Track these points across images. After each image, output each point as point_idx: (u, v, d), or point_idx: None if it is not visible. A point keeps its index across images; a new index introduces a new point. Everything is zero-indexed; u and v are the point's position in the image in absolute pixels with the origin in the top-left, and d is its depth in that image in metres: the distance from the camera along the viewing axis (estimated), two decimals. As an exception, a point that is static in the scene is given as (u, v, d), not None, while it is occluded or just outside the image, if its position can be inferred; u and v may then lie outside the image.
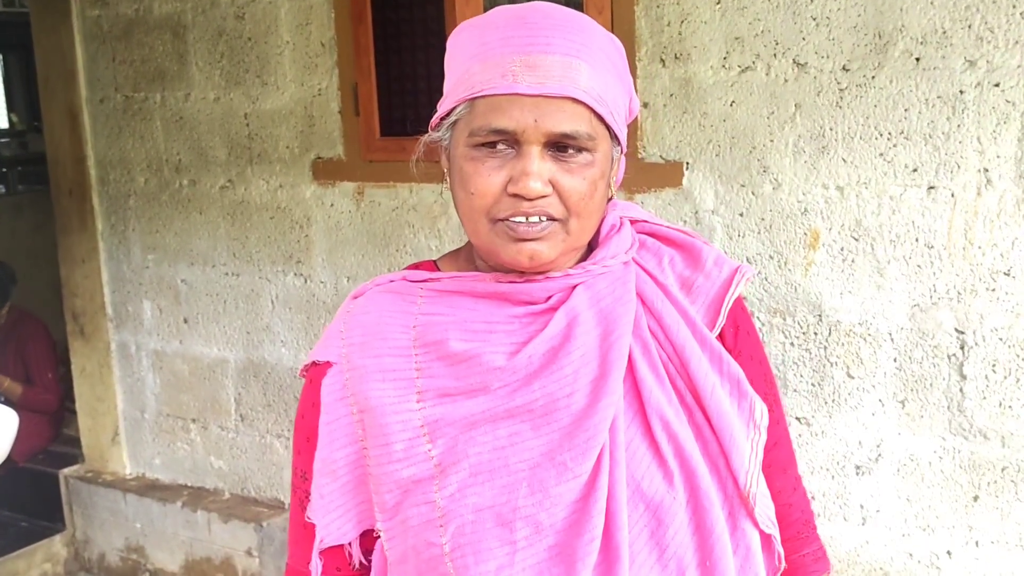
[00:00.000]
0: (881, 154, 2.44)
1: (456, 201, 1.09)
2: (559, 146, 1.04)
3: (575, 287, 1.10)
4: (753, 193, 2.59)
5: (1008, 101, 2.29)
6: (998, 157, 2.32)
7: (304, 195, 3.39)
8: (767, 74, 2.53)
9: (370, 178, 3.22)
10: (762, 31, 2.52)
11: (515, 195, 1.03)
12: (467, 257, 1.18)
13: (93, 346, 4.08)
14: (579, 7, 2.70)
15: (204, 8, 3.47)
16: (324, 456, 1.10)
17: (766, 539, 1.14)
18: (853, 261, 2.50)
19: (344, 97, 3.22)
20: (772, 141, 2.55)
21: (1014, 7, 2.26)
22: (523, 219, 1.03)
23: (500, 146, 1.03)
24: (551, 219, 1.04)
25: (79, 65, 3.83)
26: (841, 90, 2.45)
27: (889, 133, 2.42)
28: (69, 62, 3.83)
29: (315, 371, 1.14)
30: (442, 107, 1.09)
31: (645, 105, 2.70)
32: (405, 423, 1.07)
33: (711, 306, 1.18)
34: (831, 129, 2.48)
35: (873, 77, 2.42)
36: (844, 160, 2.48)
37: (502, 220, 1.04)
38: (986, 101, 2.32)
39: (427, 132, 1.16)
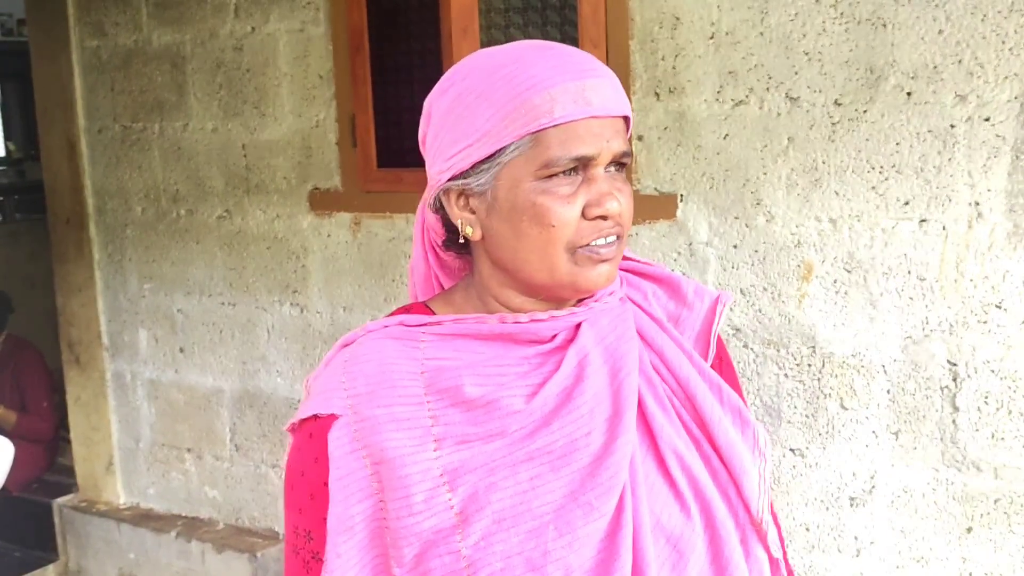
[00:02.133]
0: (873, 187, 2.46)
1: (520, 240, 1.06)
2: (616, 165, 1.07)
3: (579, 325, 1.11)
4: (747, 225, 2.61)
5: (998, 135, 2.32)
6: (989, 191, 2.34)
7: (301, 225, 3.41)
8: (760, 108, 2.56)
9: (367, 209, 3.24)
10: (755, 65, 2.55)
11: (598, 218, 1.04)
12: (463, 299, 1.16)
13: (88, 375, 4.08)
14: (574, 42, 2.73)
15: (203, 40, 3.51)
16: (339, 512, 1.05)
17: (774, 563, 1.17)
18: (846, 293, 2.52)
19: (342, 128, 3.24)
20: (765, 174, 2.58)
21: (1003, 43, 2.29)
22: (603, 241, 1.06)
23: (566, 175, 1.04)
24: (619, 237, 1.08)
25: (77, 95, 3.86)
26: (833, 124, 2.48)
27: (881, 167, 2.45)
28: (68, 91, 3.86)
29: (315, 425, 1.08)
30: (475, 152, 1.04)
31: (640, 138, 2.72)
32: (424, 472, 1.04)
33: (699, 338, 1.20)
34: (824, 162, 2.50)
35: (865, 111, 2.45)
36: (837, 193, 2.50)
37: (583, 246, 1.05)
38: (976, 135, 2.34)
39: (430, 182, 1.13)
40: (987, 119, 2.33)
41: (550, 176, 1.03)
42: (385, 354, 1.08)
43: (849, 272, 2.51)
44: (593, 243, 1.05)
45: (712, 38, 2.60)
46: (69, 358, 4.13)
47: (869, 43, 2.43)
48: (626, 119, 1.08)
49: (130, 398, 4.01)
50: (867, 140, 2.45)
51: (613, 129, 1.05)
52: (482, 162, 1.04)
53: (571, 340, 1.10)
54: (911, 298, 2.46)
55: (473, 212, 1.08)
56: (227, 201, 3.57)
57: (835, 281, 2.53)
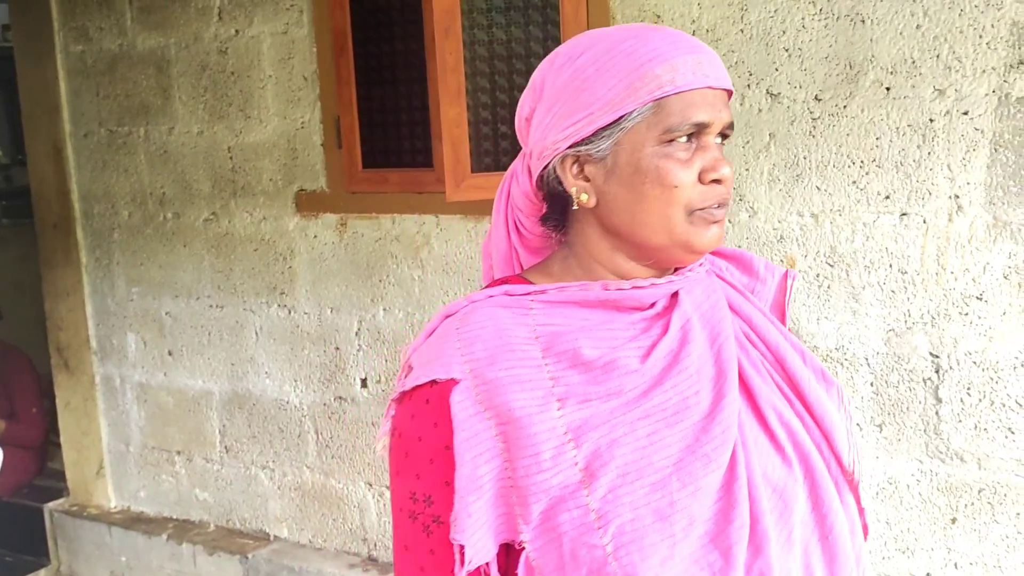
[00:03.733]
0: (854, 182, 2.48)
1: (641, 202, 1.12)
2: (721, 136, 1.14)
3: (675, 294, 1.17)
4: (730, 221, 2.63)
5: (977, 129, 2.34)
6: (968, 184, 2.36)
7: (288, 227, 3.42)
8: (741, 104, 2.58)
9: (353, 209, 3.25)
10: (736, 62, 2.57)
11: (714, 182, 1.11)
12: (561, 269, 1.20)
13: (78, 379, 4.08)
14: (556, 42, 2.74)
15: (187, 43, 3.51)
16: (468, 473, 1.07)
17: (862, 512, 1.25)
18: (829, 287, 2.54)
19: (327, 130, 3.26)
20: (748, 170, 2.59)
21: (980, 37, 2.31)
22: (716, 205, 1.12)
23: (683, 141, 1.10)
24: (726, 204, 1.15)
25: (63, 100, 3.86)
26: (814, 119, 2.50)
27: (861, 161, 2.46)
28: (53, 97, 3.86)
29: (433, 391, 1.09)
30: (598, 119, 1.10)
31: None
32: (550, 431, 1.07)
33: (773, 309, 1.31)
34: (805, 158, 2.52)
35: (845, 106, 2.47)
36: (818, 188, 2.52)
37: (699, 209, 1.11)
38: (955, 129, 2.36)
39: (526, 154, 1.19)
40: (965, 113, 2.35)
41: (670, 141, 1.09)
42: (499, 320, 1.12)
43: (831, 266, 2.52)
44: (709, 205, 1.12)
45: (693, 35, 2.60)
46: (58, 362, 4.13)
47: (848, 39, 2.45)
48: (729, 94, 1.15)
49: (119, 402, 4.01)
50: (847, 135, 2.47)
51: (722, 101, 1.13)
52: (604, 128, 1.10)
53: (670, 307, 1.16)
54: (893, 291, 2.47)
55: (588, 180, 1.14)
56: (213, 204, 3.57)
57: (818, 275, 2.54)
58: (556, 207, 1.18)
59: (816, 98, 2.50)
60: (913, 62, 2.38)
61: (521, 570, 1.09)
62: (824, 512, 1.16)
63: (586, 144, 1.11)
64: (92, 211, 3.91)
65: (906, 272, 2.45)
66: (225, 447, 3.76)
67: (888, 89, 2.42)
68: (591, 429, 1.07)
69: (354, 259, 3.29)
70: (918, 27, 2.37)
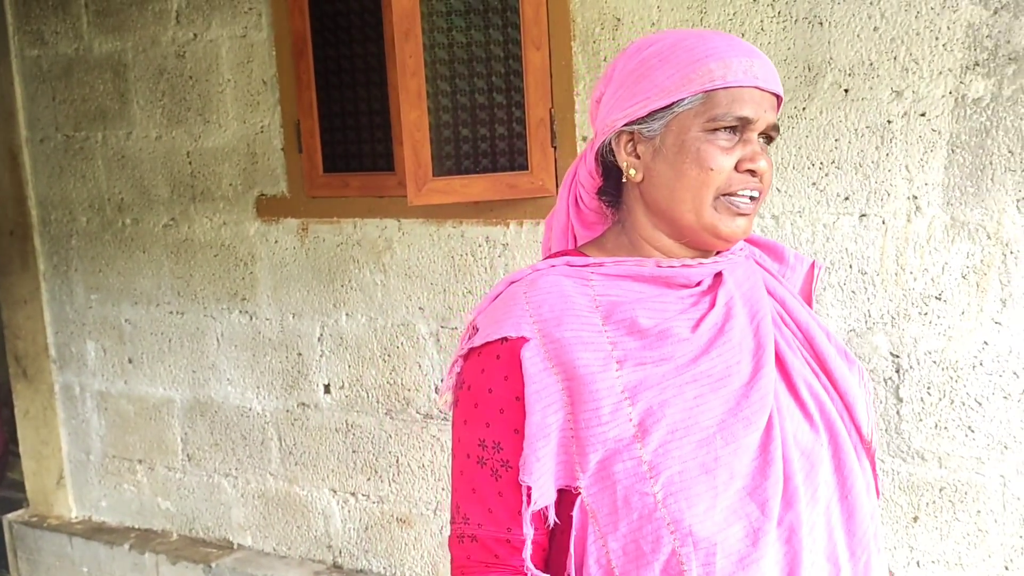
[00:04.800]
0: (814, 183, 2.49)
1: (680, 180, 1.23)
2: (766, 136, 1.25)
3: (719, 274, 1.28)
4: (691, 223, 2.62)
5: (934, 130, 2.35)
6: (926, 184, 2.38)
7: (248, 232, 3.39)
8: (702, 107, 2.57)
9: (314, 214, 3.23)
10: (696, 65, 2.56)
11: (748, 171, 1.21)
12: (614, 244, 1.32)
13: (36, 388, 4.02)
14: (517, 44, 2.74)
15: (144, 47, 3.47)
16: (538, 421, 1.17)
17: (876, 477, 1.38)
18: (790, 288, 2.54)
19: (287, 134, 3.23)
20: (708, 172, 2.59)
21: (937, 39, 2.32)
22: (747, 195, 1.22)
23: (726, 132, 1.21)
24: (756, 198, 1.24)
25: (18, 105, 3.81)
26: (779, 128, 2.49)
27: (821, 163, 2.47)
28: (8, 102, 3.81)
29: (503, 348, 1.20)
30: (653, 102, 1.22)
31: (584, 139, 2.73)
32: (610, 389, 1.18)
33: (800, 294, 1.42)
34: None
35: (804, 108, 2.47)
36: (778, 190, 2.53)
37: (727, 195, 1.22)
38: (913, 130, 2.37)
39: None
40: (923, 114, 2.36)
41: (715, 129, 1.20)
42: (563, 287, 1.24)
43: (792, 267, 2.53)
44: (740, 192, 1.22)
45: (653, 38, 2.61)
46: (16, 371, 4.07)
47: (807, 41, 2.45)
48: (779, 99, 1.26)
49: (79, 410, 3.96)
50: (807, 137, 2.48)
51: (770, 103, 1.23)
52: (657, 111, 1.23)
53: (715, 285, 1.28)
54: (853, 291, 2.48)
55: (638, 157, 1.26)
56: (173, 209, 3.54)
57: (779, 277, 2.55)
58: (611, 182, 1.31)
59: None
60: (871, 64, 2.40)
61: (576, 513, 1.20)
62: (845, 474, 1.27)
63: (640, 123, 1.24)
64: (49, 217, 3.86)
65: (866, 273, 2.47)
66: (187, 455, 3.72)
67: (846, 91, 2.43)
68: (645, 389, 1.18)
69: (316, 264, 3.27)
70: (875, 29, 2.38)
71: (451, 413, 1.28)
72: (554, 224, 1.42)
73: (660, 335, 1.22)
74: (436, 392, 3.05)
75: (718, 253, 1.31)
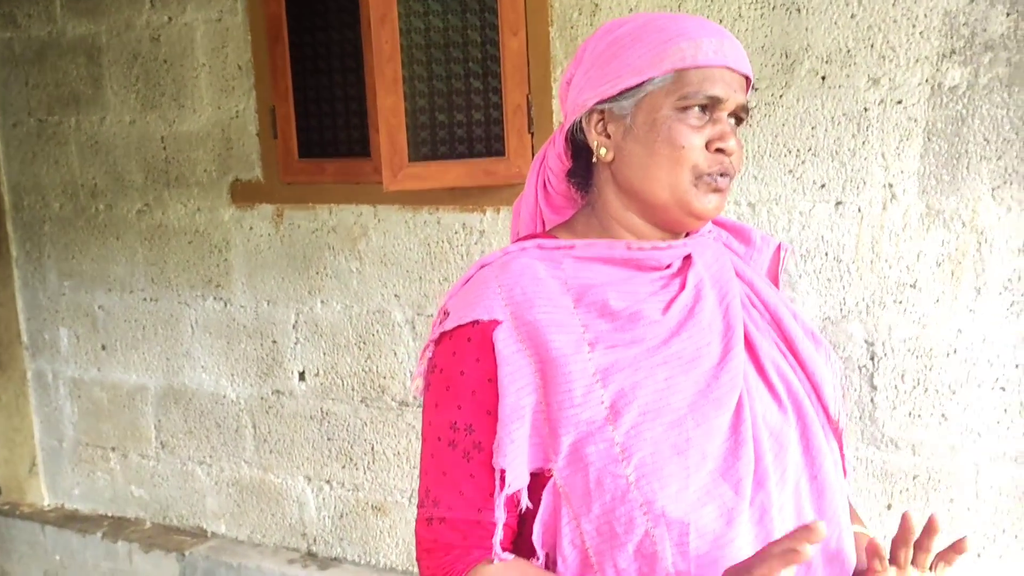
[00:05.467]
0: (790, 171, 2.48)
1: (652, 158, 1.23)
2: (736, 116, 1.25)
3: (688, 256, 1.28)
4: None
5: (910, 118, 2.36)
6: (902, 172, 2.38)
7: (223, 218, 3.36)
8: (679, 93, 2.57)
9: (289, 200, 3.20)
10: (673, 51, 2.55)
11: (719, 151, 1.21)
12: (584, 227, 1.31)
13: (9, 375, 3.98)
14: (494, 29, 2.72)
15: (119, 31, 3.43)
16: (512, 403, 1.17)
17: (843, 457, 1.38)
18: (766, 276, 2.54)
19: (262, 119, 3.21)
20: (685, 159, 2.58)
21: (914, 26, 2.32)
22: (720, 171, 1.22)
23: (697, 111, 1.21)
24: (730, 176, 1.25)
25: (-9, 89, 3.76)
26: (750, 109, 2.49)
27: (797, 150, 2.47)
28: (-20, 86, 3.76)
29: (475, 330, 1.20)
30: (625, 80, 1.23)
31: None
32: (582, 371, 1.17)
33: (767, 276, 1.43)
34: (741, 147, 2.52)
35: (781, 96, 2.47)
36: (755, 177, 2.52)
37: (704, 174, 1.22)
38: (889, 118, 2.38)
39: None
40: (899, 102, 2.36)
41: (685, 108, 1.20)
42: (535, 270, 1.23)
43: (768, 255, 2.53)
44: (713, 172, 1.22)
45: (630, 24, 2.60)
46: (-12, 358, 4.03)
47: (784, 28, 2.45)
48: (748, 81, 1.26)
49: (52, 398, 3.93)
50: (783, 125, 2.48)
51: (739, 84, 1.24)
52: (628, 90, 1.23)
53: (684, 268, 1.28)
54: (829, 279, 2.49)
55: (608, 136, 1.26)
56: (147, 195, 3.51)
57: (755, 264, 2.55)
58: (580, 163, 1.31)
59: (752, 87, 2.49)
60: (848, 51, 2.39)
61: (547, 495, 1.20)
62: (814, 455, 1.27)
63: (611, 102, 1.24)
64: (22, 203, 3.82)
65: (841, 260, 2.47)
66: (161, 443, 3.69)
67: (823, 78, 2.43)
68: (617, 371, 1.18)
69: (291, 251, 3.25)
70: (852, 16, 2.38)
71: (422, 397, 1.27)
72: (522, 209, 1.41)
73: (631, 317, 1.22)
74: (412, 379, 3.04)
75: (687, 235, 1.32)
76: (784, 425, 1.25)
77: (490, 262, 1.28)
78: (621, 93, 1.24)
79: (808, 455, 1.27)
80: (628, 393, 1.18)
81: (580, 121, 1.28)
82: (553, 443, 1.18)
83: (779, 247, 1.46)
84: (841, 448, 1.36)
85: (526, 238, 1.34)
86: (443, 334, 1.24)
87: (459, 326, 1.22)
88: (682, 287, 1.26)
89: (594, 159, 1.28)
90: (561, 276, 1.24)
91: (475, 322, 1.21)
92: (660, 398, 1.18)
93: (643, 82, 1.22)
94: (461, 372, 1.21)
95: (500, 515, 1.20)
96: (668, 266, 1.28)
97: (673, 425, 1.17)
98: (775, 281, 1.45)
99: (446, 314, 1.25)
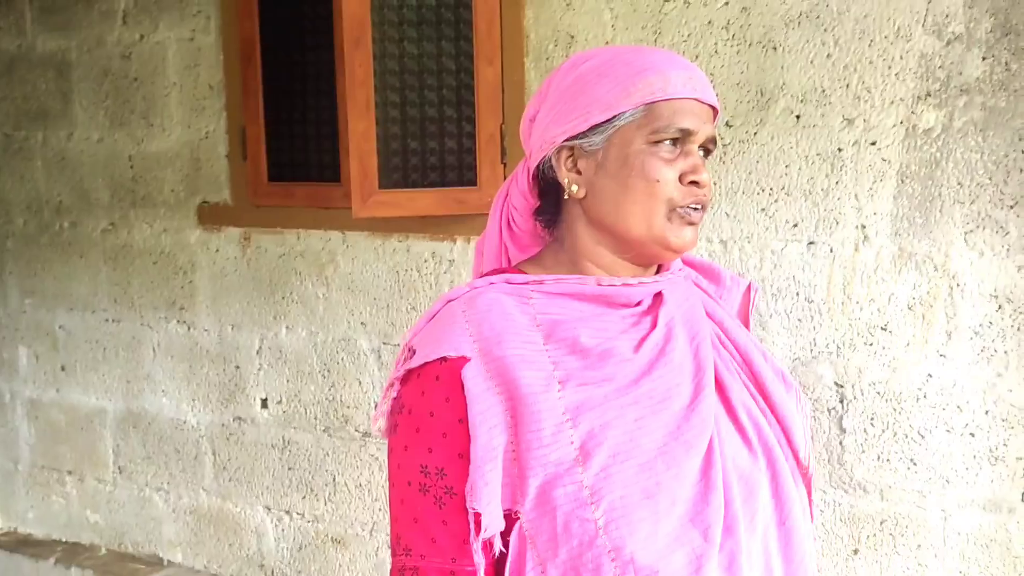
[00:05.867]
0: (763, 209, 2.46)
1: (626, 193, 1.21)
2: (704, 148, 1.24)
3: (659, 294, 1.27)
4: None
5: (884, 159, 2.34)
6: (875, 214, 2.36)
7: (189, 240, 3.31)
8: (653, 128, 2.55)
9: (257, 224, 3.16)
10: (648, 85, 2.54)
11: (693, 183, 1.20)
12: (553, 262, 1.29)
13: (-36, 394, 3.90)
14: (469, 59, 2.70)
15: (89, 47, 3.39)
16: (485, 443, 1.14)
17: (810, 501, 1.36)
18: (736, 314, 2.51)
19: (232, 141, 3.17)
20: (658, 194, 2.56)
21: (889, 68, 2.32)
22: (694, 205, 1.21)
23: (668, 144, 1.20)
24: (703, 208, 1.23)
25: (-42, 102, 3.70)
26: (724, 146, 2.48)
27: (770, 189, 2.45)
28: (-54, 98, 3.70)
29: (443, 368, 1.17)
30: (594, 116, 1.21)
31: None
32: (552, 410, 1.15)
33: (737, 316, 1.41)
34: (714, 184, 2.50)
35: (755, 133, 2.46)
36: (727, 214, 2.50)
37: (679, 207, 1.20)
38: (863, 159, 2.36)
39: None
40: (873, 143, 2.35)
41: (657, 142, 1.19)
42: (503, 305, 1.21)
43: (739, 293, 2.50)
44: (687, 204, 1.21)
45: (606, 57, 2.58)
46: (-56, 376, 3.94)
47: (760, 66, 2.44)
48: (715, 112, 1.25)
49: (8, 418, 3.84)
50: (757, 162, 2.46)
51: (708, 116, 1.23)
52: (598, 125, 1.21)
53: (655, 305, 1.26)
54: (799, 320, 2.46)
55: (579, 172, 1.24)
56: (112, 214, 3.45)
57: (726, 302, 2.52)
58: (549, 200, 1.29)
59: (727, 124, 2.48)
60: (823, 91, 2.39)
61: (514, 539, 1.16)
62: (783, 500, 1.25)
63: (581, 138, 1.22)
64: (-15, 218, 3.75)
65: (812, 301, 2.44)
66: (118, 467, 3.61)
67: (798, 117, 2.42)
68: (587, 411, 1.15)
69: (257, 275, 3.20)
70: (829, 56, 2.37)
71: (388, 438, 1.22)
72: (485, 248, 1.38)
73: (602, 355, 1.19)
74: (374, 418, 2.99)
75: (659, 271, 1.30)
76: (754, 469, 1.23)
77: (456, 297, 1.25)
78: (591, 129, 1.22)
79: (777, 500, 1.25)
80: (598, 434, 1.15)
81: (549, 159, 1.25)
82: (521, 485, 1.15)
83: (749, 287, 1.45)
84: (809, 493, 1.35)
85: (493, 272, 1.31)
86: (409, 372, 1.20)
87: (426, 363, 1.18)
88: (653, 325, 1.24)
89: (565, 196, 1.26)
90: (530, 312, 1.22)
91: (443, 359, 1.17)
92: (630, 439, 1.16)
93: (613, 117, 1.21)
94: (431, 413, 1.17)
95: (480, 560, 1.15)
96: (639, 303, 1.26)
97: (643, 468, 1.15)
98: (745, 322, 1.43)
99: (412, 351, 1.21)
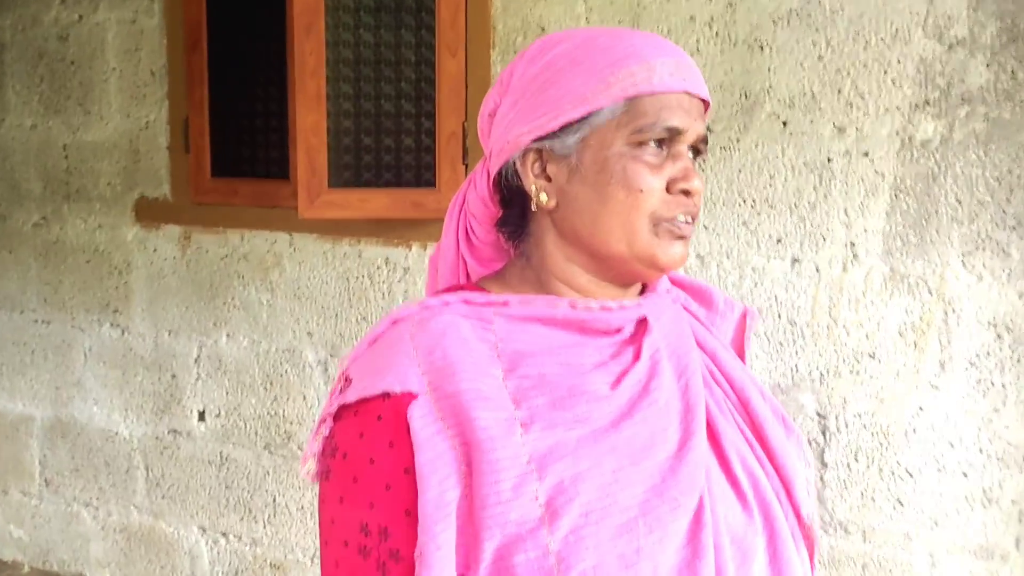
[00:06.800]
0: (744, 222, 2.31)
1: (604, 204, 1.05)
2: (694, 148, 1.08)
3: (643, 318, 1.10)
4: (609, 258, 2.43)
5: (877, 172, 2.20)
6: (865, 231, 2.22)
7: (125, 237, 3.12)
8: (628, 130, 2.39)
9: (198, 222, 2.99)
10: (624, 84, 2.37)
11: (683, 192, 1.05)
12: (519, 280, 1.12)
13: None
14: (431, 49, 2.56)
15: (24, 26, 3.19)
16: (435, 499, 0.96)
17: (814, 567, 1.20)
18: (712, 336, 2.35)
19: (173, 132, 2.99)
20: (631, 202, 2.40)
21: (885, 73, 2.17)
22: (683, 216, 1.06)
23: (653, 146, 1.04)
24: (693, 219, 1.08)
25: None
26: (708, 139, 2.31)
27: (753, 200, 2.30)
28: None
29: (385, 406, 0.99)
30: (567, 113, 1.05)
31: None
32: (513, 458, 0.97)
33: (731, 346, 1.25)
34: (693, 193, 2.33)
35: (738, 140, 2.30)
36: (705, 227, 2.34)
37: (666, 220, 1.05)
38: (854, 171, 2.22)
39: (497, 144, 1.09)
40: (866, 154, 2.21)
41: (640, 143, 1.04)
42: (459, 330, 1.04)
43: (716, 313, 2.35)
44: (675, 216, 1.05)
45: (579, 52, 2.42)
46: None
47: (745, 66, 2.29)
48: (706, 106, 1.10)
49: (-71, 423, 3.62)
50: (739, 171, 2.30)
51: (698, 111, 1.07)
52: (571, 124, 1.05)
53: (639, 333, 1.10)
54: (781, 343, 2.30)
55: (549, 179, 1.08)
56: (44, 207, 3.26)
57: (701, 322, 2.36)
58: (513, 211, 1.11)
59: (707, 129, 2.30)
60: (813, 96, 2.24)
61: None
62: (781, 566, 1.09)
63: (551, 139, 1.06)
64: (-91, 208, 3.53)
65: (795, 323, 2.29)
66: (45, 480, 3.41)
67: (785, 123, 2.26)
68: (556, 460, 0.99)
69: (196, 277, 3.02)
70: (820, 58, 2.22)
71: (319, 484, 1.03)
72: (440, 263, 1.19)
73: (574, 392, 1.02)
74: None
75: (643, 292, 1.14)
76: (749, 530, 1.07)
77: (404, 317, 1.07)
78: (562, 128, 1.05)
79: (775, 566, 1.09)
80: (569, 488, 0.98)
81: (513, 162, 1.08)
82: (475, 547, 0.97)
83: (745, 313, 1.28)
84: (812, 556, 1.17)
85: (450, 290, 1.13)
86: (344, 408, 1.01)
87: (365, 399, 1.00)
88: (635, 357, 1.07)
89: (532, 207, 1.08)
90: (491, 339, 1.05)
91: (386, 395, 0.99)
92: (606, 495, 0.99)
93: (588, 114, 1.04)
94: (371, 460, 0.99)
95: None
96: (619, 330, 1.09)
97: (622, 530, 0.98)
98: (740, 353, 1.25)
99: (348, 381, 1.03)
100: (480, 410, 0.98)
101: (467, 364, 1.01)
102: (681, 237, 1.06)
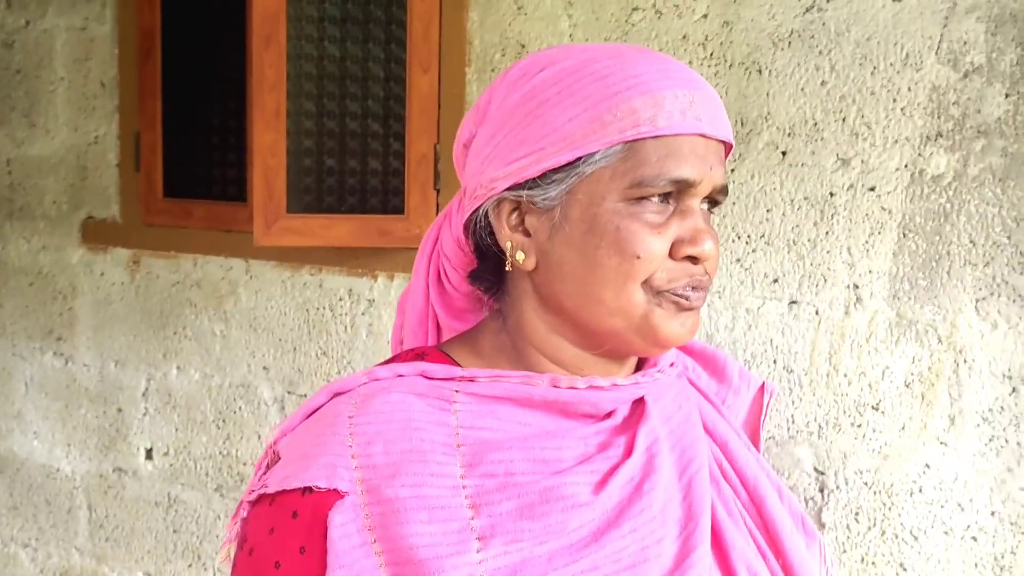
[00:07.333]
0: (738, 260, 2.20)
1: (592, 271, 0.90)
2: (710, 202, 0.95)
3: (640, 400, 0.97)
4: (591, 295, 2.29)
5: (884, 208, 2.08)
6: (870, 272, 2.10)
7: (70, 260, 3.02)
8: (613, 157, 2.25)
9: (149, 245, 2.88)
10: (609, 107, 2.24)
11: (688, 259, 0.91)
12: (493, 347, 0.98)
13: None
14: (401, 64, 2.48)
15: (-33, 32, 3.05)
16: None
17: None
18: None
19: (124, 148, 2.88)
20: (615, 235, 2.26)
21: (894, 101, 2.06)
22: (690, 288, 0.93)
23: (657, 201, 0.91)
24: (704, 289, 0.95)
25: None
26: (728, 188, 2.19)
27: (748, 236, 2.19)
28: None
29: (304, 502, 0.86)
30: (550, 157, 0.89)
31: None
32: None
33: (744, 428, 1.13)
34: (683, 227, 2.20)
35: (733, 170, 2.19)
36: (696, 264, 2.19)
37: (667, 290, 0.92)
38: (859, 207, 2.10)
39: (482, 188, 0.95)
40: (872, 188, 2.09)
41: (640, 198, 0.90)
42: (410, 413, 0.90)
43: (706, 357, 2.21)
44: (679, 289, 0.92)
45: (562, 72, 2.28)
46: None
47: (741, 91, 2.18)
48: (728, 148, 0.96)
49: None
50: (734, 204, 2.19)
51: (717, 156, 0.93)
52: (556, 171, 0.91)
53: (634, 418, 0.97)
54: (776, 392, 2.17)
55: (528, 235, 0.94)
56: (-15, 226, 3.16)
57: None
58: (488, 264, 0.99)
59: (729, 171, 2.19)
60: (815, 124, 2.12)
61: None
62: None
63: (530, 187, 0.92)
64: None
65: (792, 371, 2.18)
66: (-19, 517, 3.26)
67: (784, 154, 2.15)
68: None
69: (146, 305, 2.90)
70: (823, 83, 2.10)
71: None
72: (408, 307, 1.05)
73: (548, 495, 0.88)
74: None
75: (640, 367, 0.99)
76: None
77: (347, 390, 0.94)
78: (544, 175, 0.92)
79: None
80: None
81: (485, 211, 0.95)
82: None
83: (762, 388, 1.15)
84: None
85: (408, 355, 0.97)
86: (262, 496, 0.90)
87: (283, 491, 0.88)
88: (628, 450, 0.93)
89: (507, 265, 0.95)
90: (451, 424, 0.91)
91: (306, 489, 0.87)
92: None
93: (577, 160, 0.91)
94: (276, 564, 0.87)
95: None
96: (609, 415, 0.96)
97: None
98: (754, 436, 1.12)
99: (275, 458, 0.92)
100: (421, 523, 0.84)
101: (414, 460, 0.87)
102: (689, 308, 0.92)
